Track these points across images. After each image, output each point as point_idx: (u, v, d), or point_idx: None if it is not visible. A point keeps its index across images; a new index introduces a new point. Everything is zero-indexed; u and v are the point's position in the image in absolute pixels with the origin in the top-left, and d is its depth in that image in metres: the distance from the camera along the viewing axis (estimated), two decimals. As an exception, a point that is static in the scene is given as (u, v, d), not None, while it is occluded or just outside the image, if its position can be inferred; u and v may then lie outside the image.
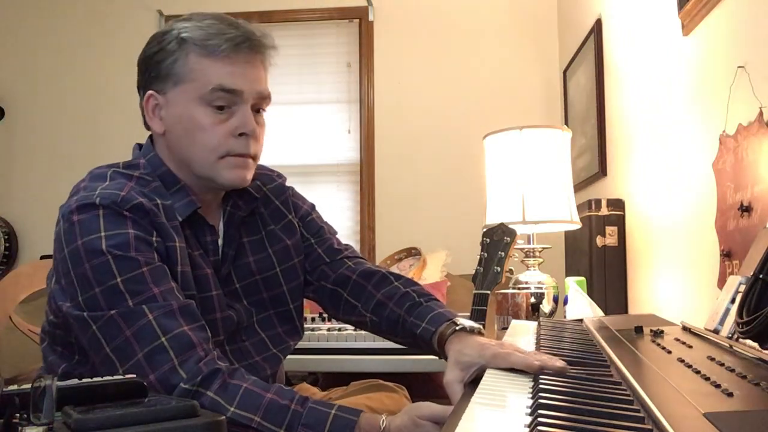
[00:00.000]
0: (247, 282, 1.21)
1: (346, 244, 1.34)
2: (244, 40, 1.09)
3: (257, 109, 1.14)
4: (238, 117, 1.10)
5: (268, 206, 1.27)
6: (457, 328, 1.07)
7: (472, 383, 0.90)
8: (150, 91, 1.12)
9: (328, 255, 1.29)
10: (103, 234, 1.00)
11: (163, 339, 0.96)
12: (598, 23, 2.50)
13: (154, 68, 1.12)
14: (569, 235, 2.45)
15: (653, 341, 0.97)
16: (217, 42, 1.08)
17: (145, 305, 0.98)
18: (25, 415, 0.62)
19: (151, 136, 1.18)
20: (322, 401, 1.00)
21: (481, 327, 1.08)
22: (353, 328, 1.85)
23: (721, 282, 1.40)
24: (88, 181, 1.10)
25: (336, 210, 3.44)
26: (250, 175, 1.14)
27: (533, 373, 0.84)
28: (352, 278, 1.26)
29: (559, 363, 0.85)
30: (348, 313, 1.27)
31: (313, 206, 1.36)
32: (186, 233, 1.11)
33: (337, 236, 1.35)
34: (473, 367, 0.94)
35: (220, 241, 1.18)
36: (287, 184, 1.35)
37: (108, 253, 0.98)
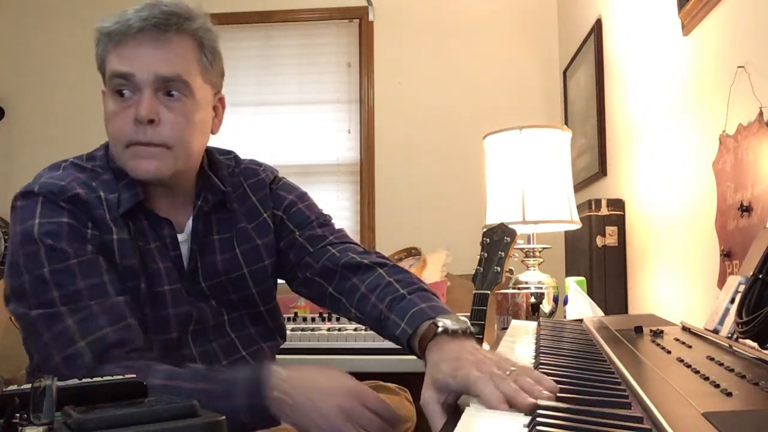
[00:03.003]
0: (213, 282, 1.16)
1: (339, 229, 1.25)
2: (137, 21, 1.04)
3: (168, 93, 1.06)
4: (137, 103, 1.05)
5: (244, 203, 1.21)
6: (438, 330, 0.91)
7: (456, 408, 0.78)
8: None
9: (311, 244, 1.20)
10: (37, 221, 1.01)
11: (81, 343, 0.96)
12: (598, 23, 2.50)
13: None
14: (569, 235, 2.45)
15: (653, 341, 0.97)
16: (112, 27, 1.06)
17: (65, 306, 0.97)
18: (25, 415, 0.62)
19: None
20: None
21: (469, 326, 0.93)
22: (353, 327, 1.85)
23: (721, 282, 1.40)
24: (46, 169, 1.11)
25: (336, 210, 3.44)
26: (163, 166, 1.06)
27: (501, 409, 0.68)
28: (337, 270, 1.16)
29: (538, 394, 0.68)
30: (335, 308, 1.19)
31: (301, 195, 1.28)
32: (139, 225, 1.09)
33: (330, 224, 1.25)
34: (447, 389, 0.79)
35: (179, 236, 1.13)
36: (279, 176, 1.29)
37: (40, 241, 0.99)
